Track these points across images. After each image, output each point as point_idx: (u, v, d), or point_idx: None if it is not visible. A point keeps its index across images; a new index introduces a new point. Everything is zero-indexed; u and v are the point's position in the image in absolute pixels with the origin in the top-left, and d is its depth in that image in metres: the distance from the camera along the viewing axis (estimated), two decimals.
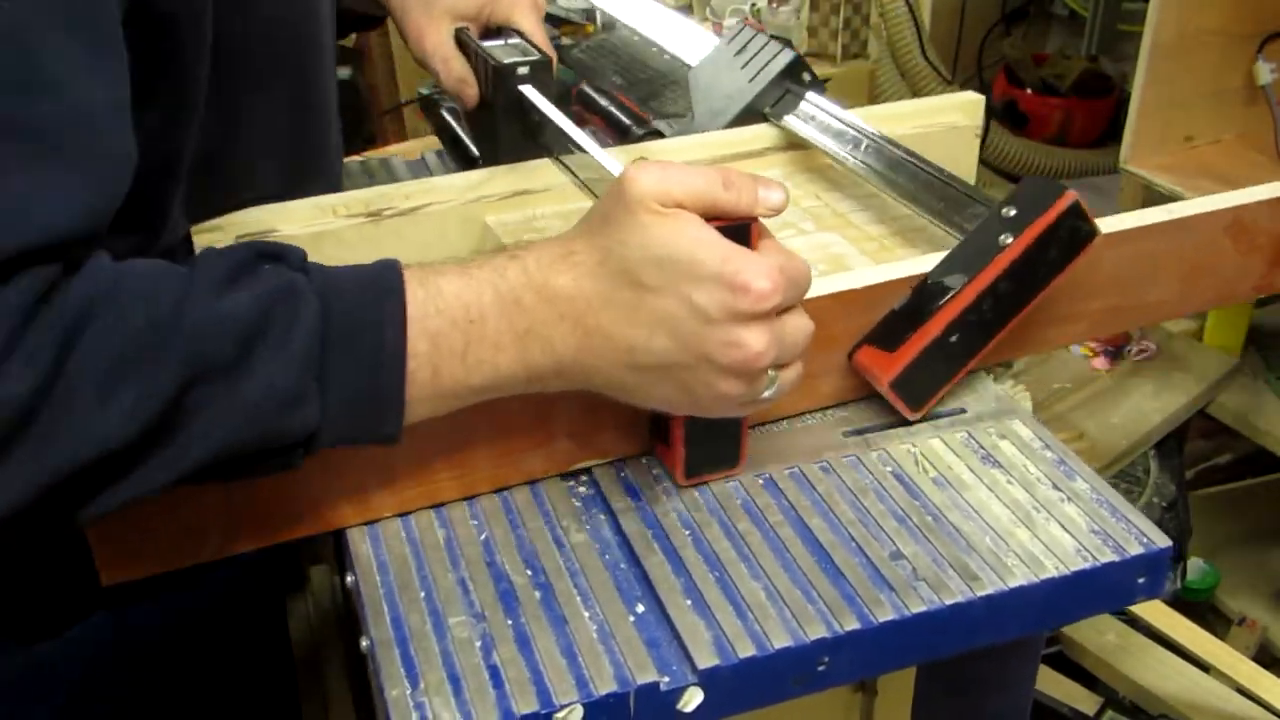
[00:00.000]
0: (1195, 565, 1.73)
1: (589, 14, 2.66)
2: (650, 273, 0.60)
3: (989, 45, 2.34)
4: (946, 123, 1.08)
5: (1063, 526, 0.70)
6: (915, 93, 2.11)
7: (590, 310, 0.61)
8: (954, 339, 0.74)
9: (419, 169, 1.17)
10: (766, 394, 0.63)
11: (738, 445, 0.72)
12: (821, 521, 0.70)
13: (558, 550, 0.69)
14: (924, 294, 0.75)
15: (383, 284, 0.60)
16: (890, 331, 0.75)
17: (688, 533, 0.70)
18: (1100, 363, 1.59)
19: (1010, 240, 0.74)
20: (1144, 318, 0.88)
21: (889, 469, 0.74)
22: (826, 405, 0.79)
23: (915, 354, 0.74)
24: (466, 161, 1.10)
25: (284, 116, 0.81)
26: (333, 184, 0.91)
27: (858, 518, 0.70)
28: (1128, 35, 2.09)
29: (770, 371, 0.62)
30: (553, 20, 2.65)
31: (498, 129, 0.95)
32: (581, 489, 0.74)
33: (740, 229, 0.62)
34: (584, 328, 0.61)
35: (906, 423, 0.77)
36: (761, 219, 0.62)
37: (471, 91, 0.95)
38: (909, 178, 0.91)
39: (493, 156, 0.98)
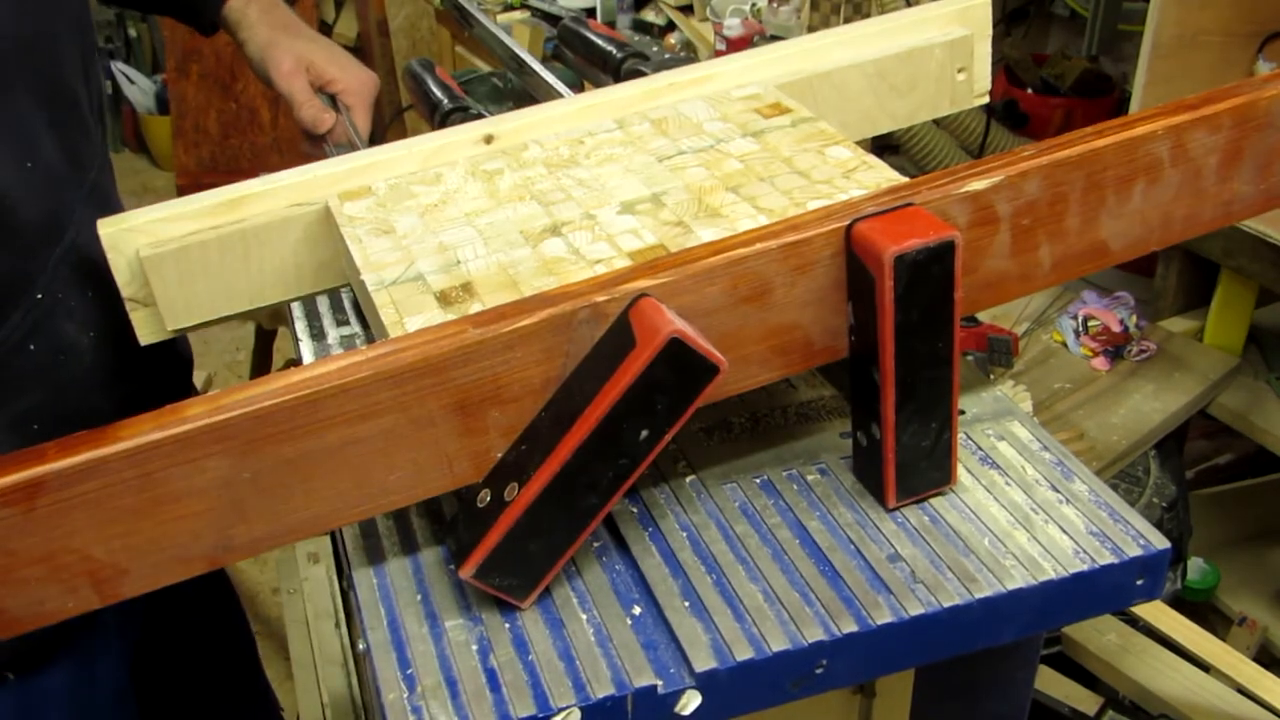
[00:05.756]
0: (1195, 565, 1.72)
1: (589, 13, 2.66)
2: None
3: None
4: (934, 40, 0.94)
5: (1061, 528, 0.69)
6: None
7: None
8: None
9: None
10: None
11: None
12: (819, 524, 0.70)
13: None
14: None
15: None
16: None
17: (685, 535, 0.70)
18: (1100, 363, 1.59)
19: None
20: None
21: None
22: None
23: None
24: None
25: (29, 122, 0.83)
26: (100, 174, 0.93)
27: (855, 520, 0.70)
28: (1128, 35, 2.08)
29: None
30: (551, 19, 2.66)
31: None
32: None
33: None
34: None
35: None
36: None
37: (329, 117, 1.11)
38: None
39: None
